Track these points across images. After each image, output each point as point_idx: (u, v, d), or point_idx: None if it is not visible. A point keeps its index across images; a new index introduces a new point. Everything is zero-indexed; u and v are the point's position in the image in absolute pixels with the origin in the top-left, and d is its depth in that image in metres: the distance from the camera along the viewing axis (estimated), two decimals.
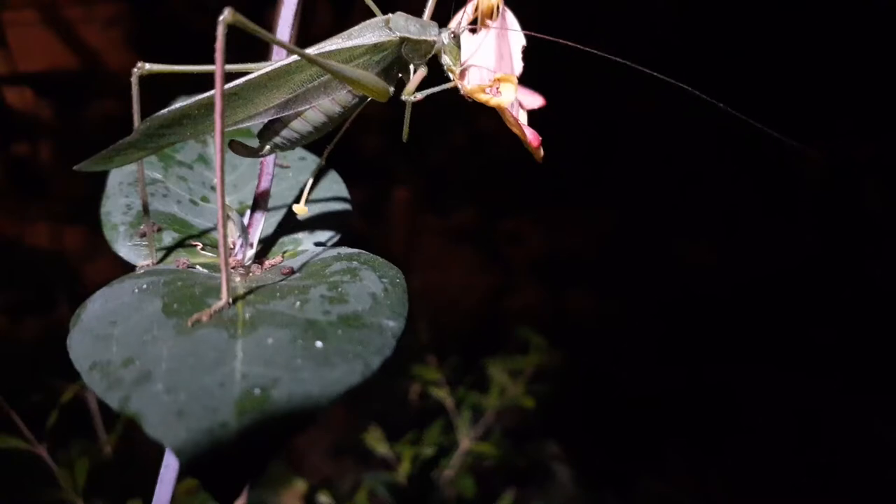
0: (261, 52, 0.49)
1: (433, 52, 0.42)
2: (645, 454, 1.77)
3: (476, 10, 0.41)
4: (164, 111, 0.39)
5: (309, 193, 0.48)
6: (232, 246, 0.43)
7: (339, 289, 0.38)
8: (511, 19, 0.41)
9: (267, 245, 0.48)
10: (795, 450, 1.76)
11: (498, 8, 0.40)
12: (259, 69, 0.40)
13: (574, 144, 1.82)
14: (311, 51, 0.40)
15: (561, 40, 0.39)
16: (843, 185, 2.05)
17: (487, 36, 0.40)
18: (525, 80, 0.42)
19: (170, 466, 0.42)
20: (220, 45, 0.33)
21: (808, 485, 1.67)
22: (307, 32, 0.46)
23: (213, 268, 0.43)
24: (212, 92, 0.36)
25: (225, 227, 0.36)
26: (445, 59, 0.42)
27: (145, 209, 0.45)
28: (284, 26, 0.44)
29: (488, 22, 0.41)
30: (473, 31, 0.41)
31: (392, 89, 0.43)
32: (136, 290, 0.37)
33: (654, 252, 2.10)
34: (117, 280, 0.39)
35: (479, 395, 1.17)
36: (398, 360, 0.35)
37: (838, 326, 1.96)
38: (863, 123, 1.96)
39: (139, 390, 0.31)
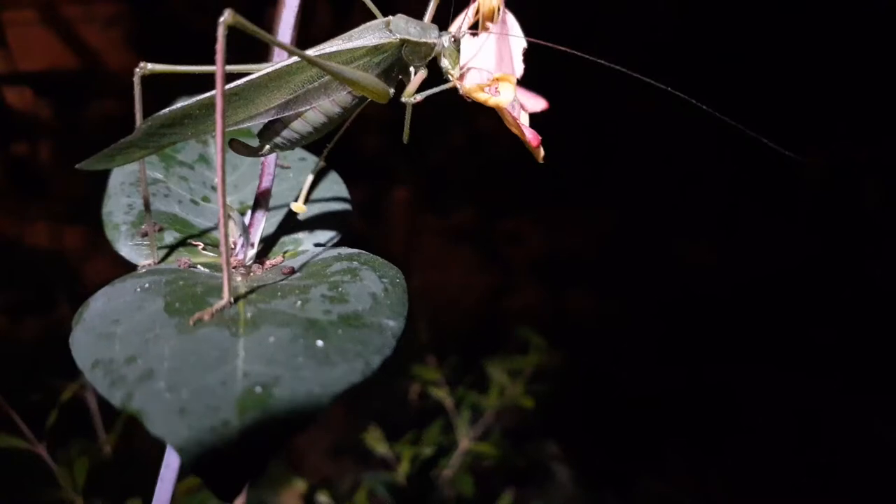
0: (262, 52, 0.49)
1: (433, 55, 0.42)
2: (645, 454, 1.77)
3: (477, 12, 0.41)
4: (166, 111, 0.39)
5: (309, 193, 0.48)
6: (233, 246, 0.44)
7: (340, 288, 0.38)
8: (512, 22, 0.41)
9: (268, 245, 0.48)
10: (795, 450, 1.76)
11: (498, 10, 0.40)
12: (260, 70, 0.40)
13: (574, 144, 1.82)
14: (312, 52, 0.40)
15: (560, 47, 0.39)
16: (842, 185, 2.05)
17: (488, 39, 0.40)
18: (525, 80, 0.42)
19: (170, 466, 0.42)
20: (220, 46, 0.34)
21: (808, 485, 1.67)
22: (306, 33, 0.46)
23: (214, 267, 0.43)
24: (213, 92, 0.36)
25: (226, 226, 0.36)
26: (444, 63, 0.42)
27: (147, 209, 0.45)
28: (285, 28, 0.44)
29: (489, 25, 0.41)
30: (475, 34, 0.41)
31: (392, 91, 0.43)
32: (139, 289, 0.37)
33: (654, 252, 2.10)
34: (119, 279, 0.40)
35: (479, 394, 1.17)
36: (398, 360, 0.36)
37: (838, 326, 1.97)
38: (863, 124, 1.96)
39: (142, 388, 0.31)
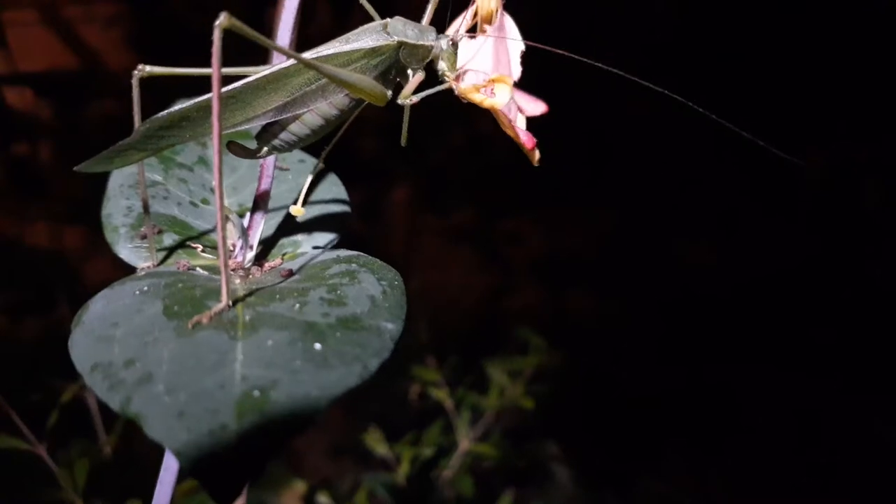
0: (261, 54, 0.49)
1: (430, 58, 0.42)
2: (645, 454, 1.77)
3: (475, 15, 0.41)
4: (164, 113, 0.39)
5: (308, 195, 0.48)
6: (232, 248, 0.44)
7: (338, 291, 0.38)
8: (510, 24, 0.41)
9: (267, 247, 0.48)
10: (795, 450, 1.76)
11: (497, 13, 0.40)
12: (257, 72, 0.40)
13: (574, 145, 1.82)
14: (309, 55, 0.40)
15: (558, 50, 0.39)
16: (842, 185, 2.05)
17: (485, 41, 0.40)
18: (525, 81, 0.42)
19: (169, 468, 0.43)
20: (216, 49, 0.34)
21: (808, 485, 1.67)
22: (305, 34, 0.46)
23: (213, 270, 0.43)
24: (210, 94, 0.36)
25: (224, 229, 0.36)
26: (441, 65, 0.42)
27: (146, 211, 0.45)
28: (285, 29, 0.44)
29: (486, 27, 0.41)
30: (472, 37, 0.41)
31: (390, 93, 0.43)
32: (138, 292, 0.37)
33: (654, 252, 2.10)
34: (118, 282, 0.40)
35: (479, 395, 1.17)
36: (397, 361, 0.36)
37: (838, 326, 1.97)
38: (863, 124, 1.96)
39: (140, 391, 0.31)
